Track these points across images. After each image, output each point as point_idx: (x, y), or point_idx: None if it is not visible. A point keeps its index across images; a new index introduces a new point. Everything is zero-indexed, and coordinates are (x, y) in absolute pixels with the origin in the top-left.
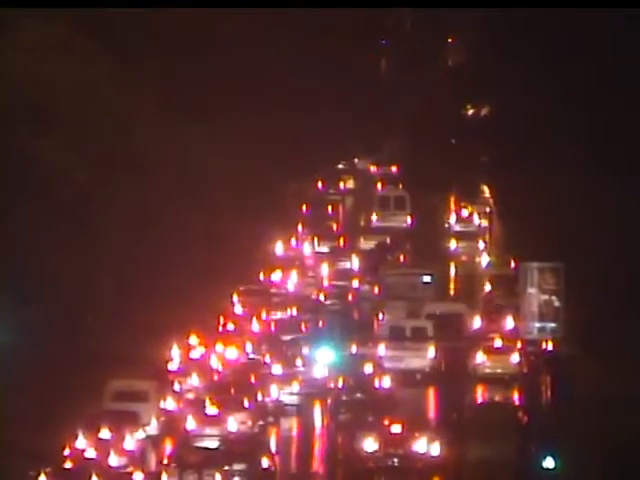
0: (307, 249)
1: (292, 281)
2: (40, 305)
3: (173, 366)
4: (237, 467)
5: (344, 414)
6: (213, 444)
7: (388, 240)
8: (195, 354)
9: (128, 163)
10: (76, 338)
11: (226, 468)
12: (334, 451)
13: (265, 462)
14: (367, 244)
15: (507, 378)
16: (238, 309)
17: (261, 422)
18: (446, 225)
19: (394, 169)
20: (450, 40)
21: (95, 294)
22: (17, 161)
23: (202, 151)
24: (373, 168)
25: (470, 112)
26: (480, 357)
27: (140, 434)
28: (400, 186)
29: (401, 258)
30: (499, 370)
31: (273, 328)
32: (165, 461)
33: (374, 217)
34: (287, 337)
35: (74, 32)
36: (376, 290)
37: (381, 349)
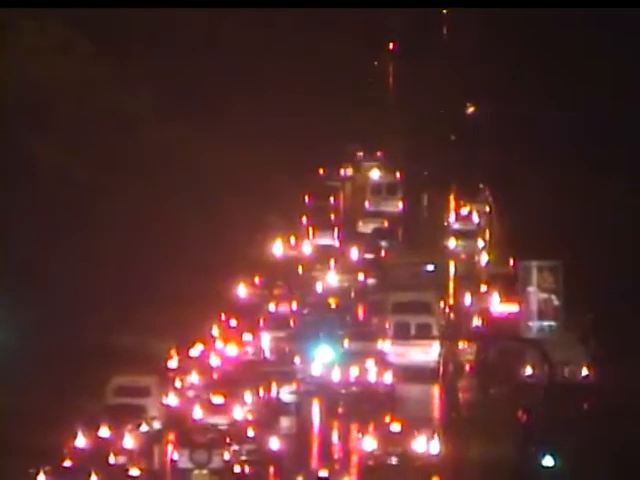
0: (311, 242)
1: (296, 275)
2: (40, 304)
3: (173, 364)
4: (246, 447)
5: (343, 412)
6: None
7: (386, 223)
8: (195, 352)
9: (127, 162)
10: (76, 337)
11: (235, 448)
12: (333, 450)
13: (274, 443)
14: (365, 227)
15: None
16: (242, 303)
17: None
18: (445, 223)
19: (379, 154)
20: (450, 38)
21: (95, 293)
22: (17, 161)
23: (202, 149)
24: (360, 154)
25: (470, 110)
26: (461, 345)
27: (144, 428)
28: (397, 174)
29: (398, 245)
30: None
31: (272, 325)
32: (172, 440)
33: (367, 203)
34: (285, 334)
35: (74, 32)
36: (380, 283)
37: (386, 345)
